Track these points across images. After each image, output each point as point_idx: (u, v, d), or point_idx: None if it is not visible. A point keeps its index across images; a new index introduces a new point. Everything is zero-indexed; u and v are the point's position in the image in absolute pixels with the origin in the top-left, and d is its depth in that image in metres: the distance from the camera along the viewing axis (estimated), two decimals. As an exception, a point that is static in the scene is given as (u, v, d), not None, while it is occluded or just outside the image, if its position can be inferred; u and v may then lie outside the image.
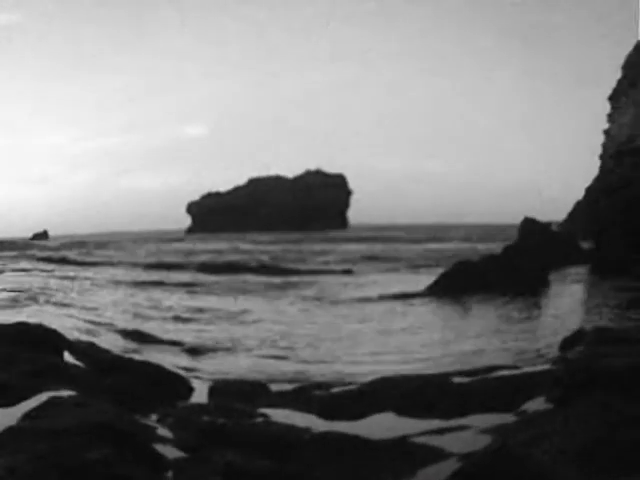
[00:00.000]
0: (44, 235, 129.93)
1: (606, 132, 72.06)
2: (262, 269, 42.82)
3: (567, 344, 12.44)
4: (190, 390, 11.28)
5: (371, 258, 53.30)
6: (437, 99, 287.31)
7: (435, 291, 27.88)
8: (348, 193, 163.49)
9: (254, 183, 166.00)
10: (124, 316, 21.59)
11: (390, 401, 9.57)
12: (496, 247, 36.46)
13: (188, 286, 32.96)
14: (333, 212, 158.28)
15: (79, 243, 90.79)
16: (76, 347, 12.54)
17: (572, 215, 67.90)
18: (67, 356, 11.75)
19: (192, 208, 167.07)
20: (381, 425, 8.79)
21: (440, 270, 31.09)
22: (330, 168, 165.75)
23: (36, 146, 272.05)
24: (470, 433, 8.29)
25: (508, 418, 8.60)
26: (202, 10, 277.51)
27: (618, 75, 72.22)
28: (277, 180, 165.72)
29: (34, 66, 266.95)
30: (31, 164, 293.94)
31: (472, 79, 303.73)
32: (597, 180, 67.13)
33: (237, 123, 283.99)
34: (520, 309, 22.64)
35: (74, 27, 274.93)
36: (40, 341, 11.69)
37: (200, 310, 23.82)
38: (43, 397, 8.06)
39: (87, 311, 21.97)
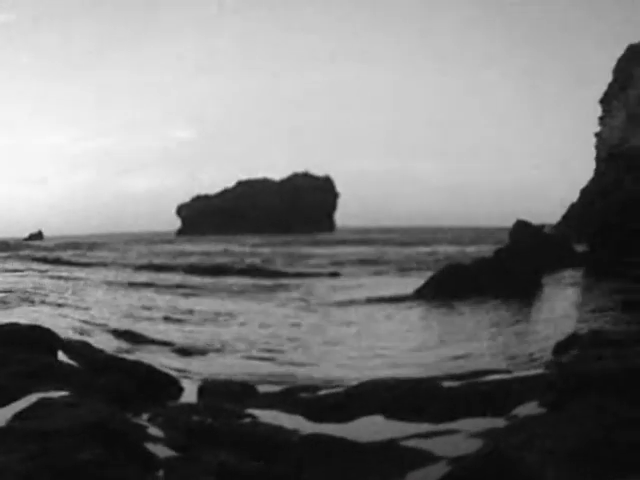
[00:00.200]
0: (39, 235, 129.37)
1: (597, 135, 71.72)
2: (250, 271, 42.61)
3: (561, 348, 12.20)
4: (180, 390, 11.25)
5: (359, 261, 52.69)
6: (426, 101, 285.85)
7: (424, 294, 26.89)
8: (335, 196, 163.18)
9: (242, 186, 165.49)
10: (116, 316, 21.52)
11: (378, 404, 9.34)
12: (487, 250, 35.68)
13: (178, 288, 32.84)
14: (320, 215, 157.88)
15: (73, 244, 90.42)
16: (70, 346, 12.51)
17: (566, 217, 66.15)
18: (61, 355, 11.73)
19: (182, 210, 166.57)
20: (369, 428, 8.62)
21: (429, 274, 30.14)
22: (318, 170, 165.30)
23: (32, 147, 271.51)
24: (460, 437, 8.08)
25: (499, 422, 8.38)
26: (195, 13, 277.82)
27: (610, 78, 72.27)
28: (265, 183, 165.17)
29: (33, 66, 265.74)
30: (28, 165, 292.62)
31: (463, 81, 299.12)
32: (592, 182, 66.70)
33: (227, 126, 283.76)
34: (512, 313, 22.12)
35: (70, 28, 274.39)
36: (34, 341, 11.65)
37: (190, 311, 23.73)
38: (33, 398, 8.02)
39: (80, 311, 21.90)
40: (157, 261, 53.61)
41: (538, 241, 34.59)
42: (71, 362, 11.37)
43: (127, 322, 20.26)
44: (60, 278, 36.17)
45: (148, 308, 24.35)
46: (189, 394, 11.00)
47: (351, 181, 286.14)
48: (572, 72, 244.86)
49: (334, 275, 40.13)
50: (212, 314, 23.20)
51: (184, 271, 43.60)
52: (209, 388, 11.34)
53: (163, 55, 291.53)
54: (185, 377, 12.63)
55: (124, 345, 16.44)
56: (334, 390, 10.55)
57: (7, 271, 41.20)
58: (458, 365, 13.69)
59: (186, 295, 29.79)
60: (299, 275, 40.24)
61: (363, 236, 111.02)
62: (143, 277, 38.97)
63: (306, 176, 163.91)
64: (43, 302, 23.84)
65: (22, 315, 18.69)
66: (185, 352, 16.23)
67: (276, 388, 11.56)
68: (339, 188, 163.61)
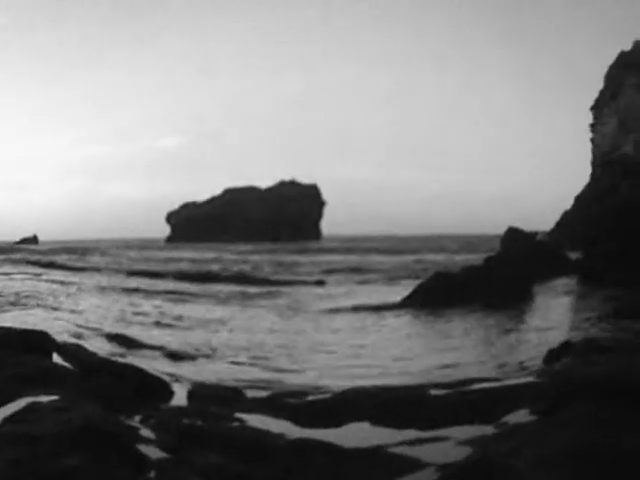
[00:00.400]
0: (34, 240, 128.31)
1: (592, 140, 71.36)
2: (238, 279, 42.58)
3: (552, 356, 11.93)
4: (171, 393, 11.26)
5: (346, 269, 52.03)
6: (415, 108, 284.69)
7: (411, 303, 25.97)
8: (322, 204, 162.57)
9: (229, 194, 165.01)
10: (109, 321, 21.50)
11: (364, 411, 9.19)
12: (477, 258, 34.32)
13: (168, 293, 32.79)
14: (306, 223, 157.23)
15: (66, 248, 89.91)
16: (65, 349, 12.53)
17: (560, 224, 65.03)
18: (56, 358, 11.74)
19: (171, 217, 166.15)
20: (355, 434, 8.53)
21: (417, 282, 29.14)
22: (306, 178, 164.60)
23: (25, 151, 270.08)
24: (448, 444, 7.90)
25: (488, 430, 8.16)
26: (181, 22, 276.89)
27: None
28: (251, 191, 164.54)
29: (21, 73, 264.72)
30: (17, 170, 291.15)
31: (453, 87, 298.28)
32: (587, 188, 65.63)
33: (216, 133, 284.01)
34: (502, 321, 21.47)
35: (61, 33, 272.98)
36: (28, 344, 11.65)
37: (179, 317, 23.70)
38: (23, 402, 7.99)
39: (75, 315, 21.84)
40: (148, 267, 53.48)
41: (531, 249, 33.15)
42: (66, 364, 11.39)
43: (119, 326, 20.20)
44: (54, 282, 36.05)
45: (139, 313, 24.28)
46: (179, 397, 11.00)
47: (339, 189, 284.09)
48: (566, 78, 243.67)
49: (320, 283, 39.74)
50: (201, 320, 23.17)
51: (174, 277, 43.56)
52: (198, 392, 11.36)
53: (153, 63, 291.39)
54: (175, 381, 12.59)
55: (116, 349, 16.41)
56: (321, 396, 10.50)
57: (0, 274, 41.03)
58: (446, 373, 13.31)
59: (176, 301, 29.75)
60: (286, 283, 40.01)
61: (350, 244, 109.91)
62: (135, 283, 38.84)
63: (292, 184, 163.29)
64: (38, 305, 23.78)
65: (16, 318, 18.71)
66: (175, 357, 16.22)
67: (263, 393, 11.56)
68: (327, 196, 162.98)
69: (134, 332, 19.12)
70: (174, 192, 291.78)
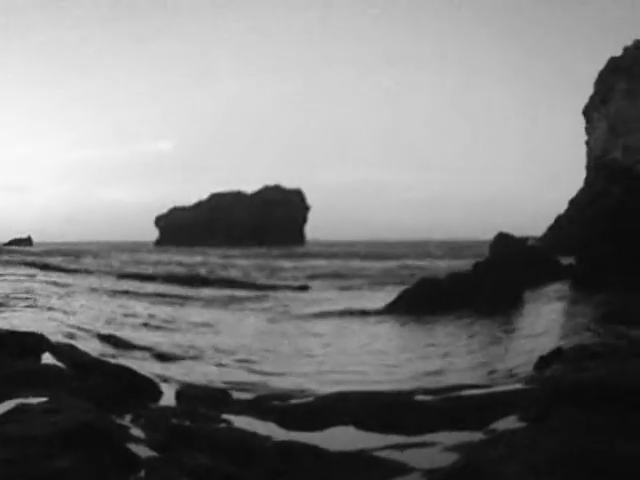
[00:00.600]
0: (28, 241, 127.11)
1: (587, 143, 69.88)
2: (223, 283, 42.39)
3: (543, 363, 11.60)
4: (159, 393, 11.23)
5: (330, 274, 51.17)
6: (399, 111, 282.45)
7: (395, 309, 24.93)
8: (306, 209, 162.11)
9: (215, 198, 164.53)
10: (100, 322, 21.39)
11: (350, 415, 8.97)
12: (465, 264, 32.77)
13: (157, 296, 32.65)
14: (290, 228, 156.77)
15: (60, 250, 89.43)
16: (58, 349, 12.52)
17: (552, 229, 62.07)
18: (49, 358, 11.73)
19: (160, 221, 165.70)
20: (340, 438, 8.35)
21: (402, 288, 27.77)
22: (291, 183, 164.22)
23: (17, 154, 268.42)
24: (435, 450, 7.67)
25: (477, 436, 7.84)
26: (171, 27, 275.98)
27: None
28: (236, 196, 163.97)
29: (17, 75, 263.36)
30: (11, 172, 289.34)
31: (439, 91, 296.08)
32: (582, 191, 62.97)
33: (205, 138, 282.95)
34: (490, 328, 20.39)
35: (58, 35, 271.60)
36: (20, 345, 11.67)
37: (167, 319, 23.61)
38: (12, 403, 7.90)
39: (67, 315, 21.71)
40: (138, 270, 53.24)
41: (521, 254, 31.62)
42: (59, 364, 11.38)
43: (110, 327, 20.09)
44: (48, 283, 35.86)
45: (130, 315, 24.15)
46: (168, 398, 10.98)
47: (325, 193, 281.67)
48: (563, 79, 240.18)
49: (304, 288, 39.21)
50: (189, 322, 23.10)
51: (163, 280, 43.38)
52: (186, 392, 11.34)
53: (150, 67, 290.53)
54: (164, 381, 12.56)
55: (107, 349, 16.34)
56: (306, 400, 10.38)
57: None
58: (432, 380, 12.83)
59: (165, 303, 29.64)
60: (271, 287, 39.74)
61: (334, 249, 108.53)
62: (125, 285, 38.67)
63: (277, 189, 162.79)
64: (31, 306, 23.67)
65: (9, 319, 18.63)
66: (163, 358, 16.18)
67: (249, 395, 11.54)
68: (312, 200, 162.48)
69: (124, 333, 19.04)
70: (166, 195, 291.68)
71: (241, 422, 8.94)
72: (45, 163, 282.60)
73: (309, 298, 33.63)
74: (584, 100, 71.13)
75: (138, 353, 16.50)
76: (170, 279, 44.06)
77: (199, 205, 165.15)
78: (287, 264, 67.07)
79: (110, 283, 39.89)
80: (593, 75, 70.61)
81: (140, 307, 27.28)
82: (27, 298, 26.01)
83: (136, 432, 7.96)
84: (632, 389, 7.51)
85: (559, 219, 62.63)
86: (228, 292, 36.02)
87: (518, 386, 10.35)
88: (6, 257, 64.34)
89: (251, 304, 30.23)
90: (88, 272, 49.45)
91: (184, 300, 31.53)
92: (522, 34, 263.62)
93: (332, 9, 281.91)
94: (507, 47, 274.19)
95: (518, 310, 24.03)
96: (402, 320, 23.18)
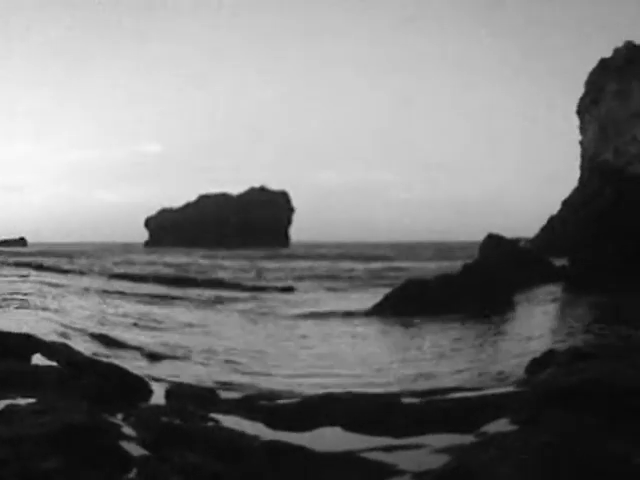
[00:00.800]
0: (21, 242, 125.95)
1: (581, 143, 69.22)
2: (210, 283, 42.31)
3: (535, 365, 11.33)
4: (150, 392, 11.18)
5: (316, 276, 50.48)
6: (386, 113, 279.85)
7: (382, 311, 24.19)
8: (291, 210, 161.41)
9: (202, 200, 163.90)
10: (92, 322, 21.34)
11: (336, 416, 8.74)
12: (454, 266, 31.66)
13: (146, 296, 32.58)
14: (275, 230, 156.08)
15: (54, 252, 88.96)
16: (52, 349, 12.48)
17: (545, 230, 60.61)
18: (41, 358, 11.66)
19: (149, 223, 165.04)
20: (328, 439, 8.17)
21: (388, 290, 27.11)
22: (278, 184, 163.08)
23: (9, 155, 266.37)
24: (424, 452, 7.42)
25: (467, 439, 7.56)
26: (162, 30, 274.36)
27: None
28: (223, 197, 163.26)
29: (8, 77, 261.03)
30: (4, 173, 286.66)
31: (427, 92, 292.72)
32: (576, 192, 61.20)
33: (193, 140, 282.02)
34: (479, 331, 19.85)
35: (48, 37, 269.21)
36: (9, 347, 11.63)
37: (157, 319, 23.56)
38: (1, 405, 7.77)
39: (60, 315, 21.64)
40: (128, 271, 53.16)
41: (512, 255, 31.08)
42: (52, 364, 11.33)
43: (102, 327, 20.07)
44: (41, 283, 35.70)
45: (121, 315, 24.10)
46: (158, 396, 10.94)
47: (314, 195, 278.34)
48: (558, 82, 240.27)
49: (289, 290, 38.71)
50: (178, 322, 23.06)
51: (153, 281, 43.31)
52: (175, 391, 11.29)
53: (141, 70, 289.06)
54: (154, 380, 12.58)
55: (99, 349, 16.30)
56: (292, 400, 10.24)
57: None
58: (419, 382, 12.63)
59: (154, 304, 29.57)
60: (257, 289, 39.42)
61: (320, 251, 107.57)
62: (116, 285, 38.55)
63: (262, 191, 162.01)
64: (24, 307, 23.56)
65: (1, 319, 18.57)
66: (153, 357, 16.14)
67: (236, 395, 11.49)
68: (300, 202, 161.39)
69: (116, 333, 18.99)
70: (156, 197, 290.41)
71: (229, 421, 8.89)
72: (37, 165, 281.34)
73: (295, 299, 33.24)
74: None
75: (129, 352, 16.46)
76: (160, 280, 44.01)
77: (187, 207, 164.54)
78: (273, 265, 66.73)
79: (102, 283, 39.79)
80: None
81: (131, 307, 27.21)
82: (20, 299, 25.87)
83: (128, 430, 7.90)
84: (622, 391, 7.43)
85: (552, 220, 61.38)
86: (216, 293, 35.89)
87: (509, 389, 10.12)
88: (0, 258, 63.97)
89: (238, 305, 30.07)
90: (81, 273, 49.28)
91: (173, 300, 31.46)
92: (521, 34, 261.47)
93: (331, 9, 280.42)
94: (506, 47, 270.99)
95: (509, 312, 23.47)
96: (388, 322, 22.67)
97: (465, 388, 10.86)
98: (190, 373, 14.24)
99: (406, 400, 9.53)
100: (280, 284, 42.25)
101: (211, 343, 18.72)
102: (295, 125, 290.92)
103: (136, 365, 14.41)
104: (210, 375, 14.10)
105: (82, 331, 18.61)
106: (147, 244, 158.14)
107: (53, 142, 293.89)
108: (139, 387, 11.33)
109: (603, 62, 68.82)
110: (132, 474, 6.49)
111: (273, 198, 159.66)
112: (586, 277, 27.54)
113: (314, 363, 15.62)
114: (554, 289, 28.16)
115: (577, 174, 67.34)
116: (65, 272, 49.17)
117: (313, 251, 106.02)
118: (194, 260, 77.00)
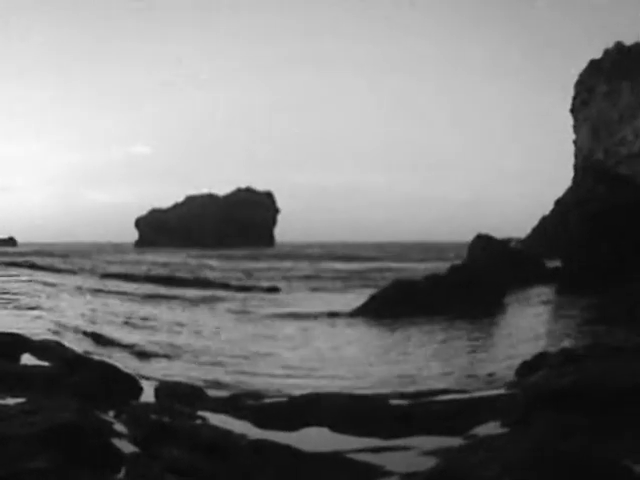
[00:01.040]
0: (12, 242, 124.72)
1: (575, 142, 68.28)
2: (198, 283, 42.09)
3: (525, 368, 11.00)
4: (140, 390, 11.08)
5: (301, 276, 49.67)
6: (372, 112, 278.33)
7: (367, 311, 23.42)
8: (276, 211, 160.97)
9: (189, 201, 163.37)
10: (83, 320, 21.17)
11: (323, 416, 8.53)
12: (441, 266, 30.71)
13: (136, 296, 32.43)
14: (260, 230, 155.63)
15: (45, 251, 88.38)
16: (40, 348, 12.34)
17: (537, 231, 58.55)
18: (30, 358, 11.51)
19: (139, 223, 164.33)
20: (314, 439, 7.99)
21: (375, 290, 26.47)
22: (265, 185, 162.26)
23: (2, 155, 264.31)
24: (412, 454, 7.20)
25: (456, 441, 7.37)
26: (149, 32, 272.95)
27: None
28: (210, 198, 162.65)
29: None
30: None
31: (415, 91, 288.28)
32: (570, 191, 58.10)
33: (184, 141, 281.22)
34: (468, 332, 19.08)
35: (38, 38, 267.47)
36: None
37: (146, 318, 23.42)
38: None
39: (53, 314, 21.47)
40: (119, 270, 52.82)
41: (502, 256, 29.91)
42: (38, 364, 11.16)
43: (94, 326, 19.95)
44: (35, 282, 35.41)
45: (112, 313, 23.94)
46: (147, 394, 10.86)
47: (301, 196, 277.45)
48: (557, 81, 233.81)
49: (274, 290, 38.21)
50: (167, 321, 22.92)
51: (143, 280, 43.05)
52: (164, 389, 11.25)
53: (126, 74, 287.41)
54: (143, 378, 12.49)
55: (91, 347, 16.23)
56: (280, 399, 10.11)
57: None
58: (406, 384, 12.18)
59: (144, 303, 29.43)
60: (242, 289, 39.03)
61: (306, 251, 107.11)
62: (107, 285, 38.35)
63: (248, 191, 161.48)
64: (16, 307, 23.33)
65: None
66: (143, 355, 16.10)
67: (224, 393, 11.41)
68: (286, 202, 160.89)
69: (107, 331, 18.92)
70: (146, 197, 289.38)
71: (216, 419, 8.82)
72: (27, 166, 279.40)
73: (280, 299, 32.87)
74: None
75: (120, 350, 16.41)
76: (149, 279, 43.81)
77: (175, 207, 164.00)
78: (258, 265, 66.21)
79: (93, 282, 39.56)
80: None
81: (121, 306, 27.09)
82: (11, 299, 25.60)
83: (119, 428, 7.83)
84: (614, 392, 7.33)
85: (544, 220, 59.48)
86: (203, 292, 35.69)
87: (499, 391, 9.90)
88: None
89: (224, 304, 29.85)
90: (72, 272, 48.96)
91: (163, 299, 31.27)
92: (521, 34, 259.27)
93: (331, 9, 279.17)
94: (501, 48, 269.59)
95: (499, 313, 22.76)
96: (373, 323, 22.11)
97: (454, 390, 10.64)
98: (179, 371, 14.16)
99: (394, 402, 9.32)
100: (266, 284, 41.84)
101: (199, 342, 18.64)
102: (283, 126, 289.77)
103: (127, 363, 14.33)
104: (198, 373, 14.00)
105: (74, 329, 18.48)
106: (137, 244, 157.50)
107: (44, 143, 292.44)
108: (130, 385, 11.25)
109: (593, 63, 67.96)
110: (122, 473, 6.39)
111: (259, 199, 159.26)
112: (579, 278, 26.66)
113: (299, 364, 15.29)
114: (546, 290, 27.48)
115: (571, 173, 66.58)
116: (56, 271, 48.83)
117: (298, 251, 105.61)
118: (182, 260, 76.72)
